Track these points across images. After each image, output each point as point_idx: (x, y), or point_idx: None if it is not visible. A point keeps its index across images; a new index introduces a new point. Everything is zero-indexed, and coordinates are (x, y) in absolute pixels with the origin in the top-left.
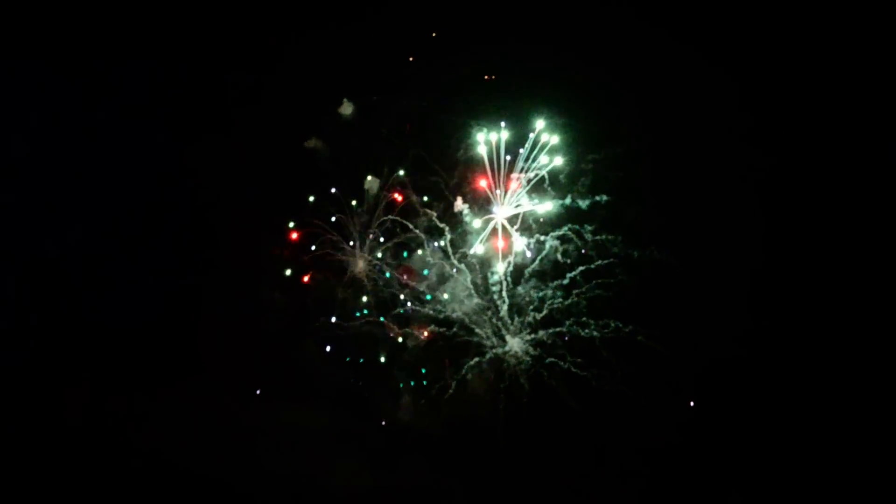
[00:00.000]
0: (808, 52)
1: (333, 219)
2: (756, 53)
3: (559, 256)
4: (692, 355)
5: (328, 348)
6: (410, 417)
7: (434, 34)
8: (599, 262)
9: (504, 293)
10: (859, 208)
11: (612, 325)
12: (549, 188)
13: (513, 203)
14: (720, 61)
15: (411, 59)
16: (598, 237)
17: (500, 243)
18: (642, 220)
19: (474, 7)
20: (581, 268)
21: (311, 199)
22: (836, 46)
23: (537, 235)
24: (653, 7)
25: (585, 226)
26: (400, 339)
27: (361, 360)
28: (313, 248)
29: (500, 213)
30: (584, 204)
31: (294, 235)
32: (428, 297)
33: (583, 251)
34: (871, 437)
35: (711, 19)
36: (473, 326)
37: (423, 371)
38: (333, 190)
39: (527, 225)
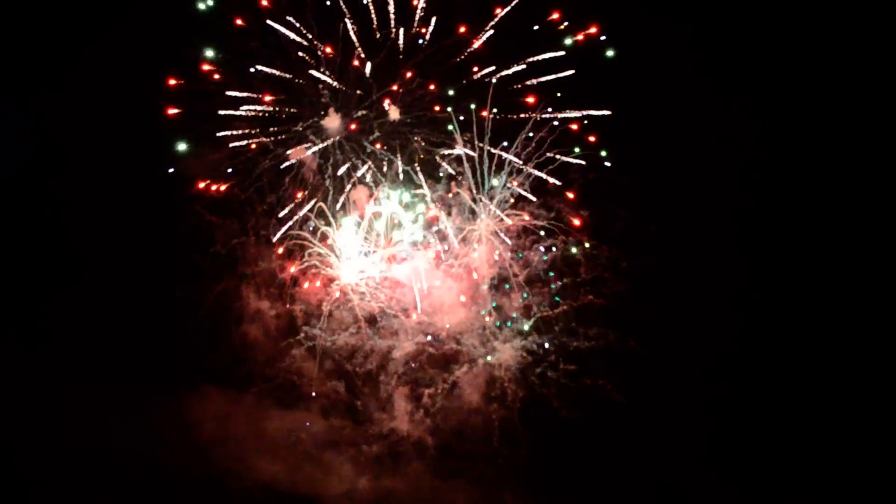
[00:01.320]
0: (799, 58)
1: (320, 230)
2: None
3: (542, 273)
4: (682, 361)
5: (317, 358)
6: (402, 425)
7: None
8: (586, 273)
9: (492, 303)
10: (848, 214)
11: (601, 332)
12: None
13: (497, 211)
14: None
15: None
16: (587, 248)
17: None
18: (631, 229)
19: None
20: (566, 280)
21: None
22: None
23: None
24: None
25: (570, 239)
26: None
27: (350, 369)
28: (301, 259)
29: (482, 224)
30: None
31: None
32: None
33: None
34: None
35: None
36: (461, 336)
37: (414, 380)
38: (320, 202)
39: (512, 234)
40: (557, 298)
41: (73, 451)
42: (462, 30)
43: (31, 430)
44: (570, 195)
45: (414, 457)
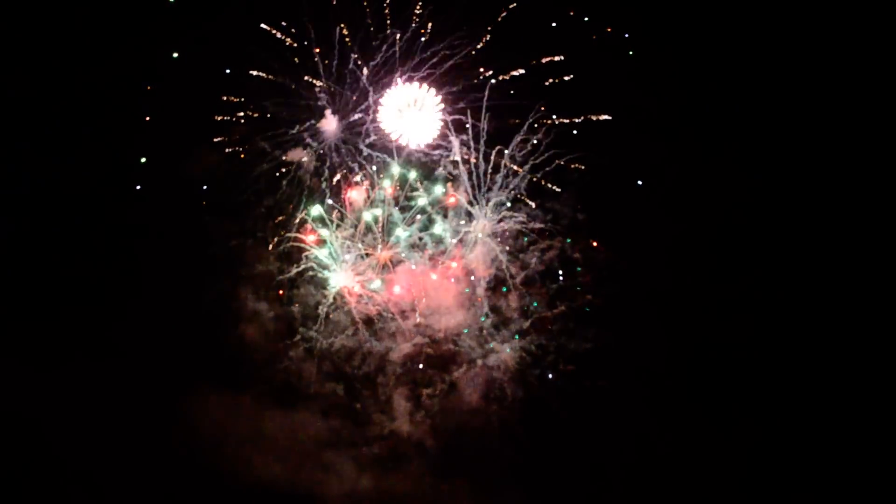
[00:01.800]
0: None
1: (317, 233)
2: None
3: (539, 274)
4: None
5: (316, 359)
6: (402, 426)
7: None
8: (584, 274)
9: (489, 305)
10: (856, 217)
11: (599, 333)
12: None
13: (494, 215)
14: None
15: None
16: (585, 249)
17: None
18: (630, 230)
19: None
20: (564, 281)
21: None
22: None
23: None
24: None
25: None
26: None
27: (349, 371)
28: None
29: (479, 227)
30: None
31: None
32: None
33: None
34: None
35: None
36: (459, 338)
37: (413, 381)
38: (317, 205)
39: (510, 236)
40: (558, 299)
41: (71, 452)
42: (461, 30)
43: (29, 431)
44: (568, 197)
45: (414, 457)
